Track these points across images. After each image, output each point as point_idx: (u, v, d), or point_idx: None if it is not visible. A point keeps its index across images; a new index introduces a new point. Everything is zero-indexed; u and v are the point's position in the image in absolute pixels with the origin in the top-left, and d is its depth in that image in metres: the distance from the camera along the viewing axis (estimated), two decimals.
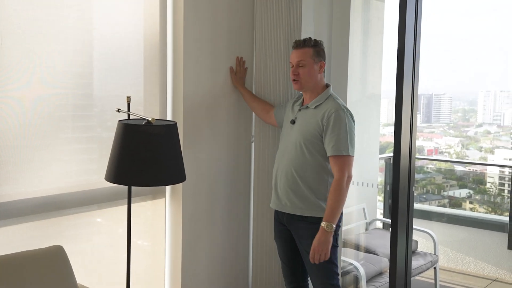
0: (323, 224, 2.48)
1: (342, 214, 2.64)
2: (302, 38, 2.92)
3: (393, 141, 2.89)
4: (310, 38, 2.66)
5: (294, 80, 2.64)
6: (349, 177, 2.53)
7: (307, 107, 2.66)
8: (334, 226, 2.48)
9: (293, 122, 2.69)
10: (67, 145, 2.51)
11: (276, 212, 2.78)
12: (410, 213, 2.94)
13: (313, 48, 2.62)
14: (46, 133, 2.40)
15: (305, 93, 2.70)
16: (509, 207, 4.91)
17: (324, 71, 2.69)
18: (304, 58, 2.60)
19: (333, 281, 2.61)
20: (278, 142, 3.04)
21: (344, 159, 2.51)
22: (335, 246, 2.60)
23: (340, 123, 2.51)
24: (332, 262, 2.60)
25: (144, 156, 2.17)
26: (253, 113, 3.15)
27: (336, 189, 2.49)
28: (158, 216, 2.91)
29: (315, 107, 2.62)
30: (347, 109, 2.60)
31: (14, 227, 2.34)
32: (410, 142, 2.90)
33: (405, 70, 2.80)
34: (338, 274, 2.65)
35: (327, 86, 2.70)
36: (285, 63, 2.99)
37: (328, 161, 2.58)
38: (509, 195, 5.17)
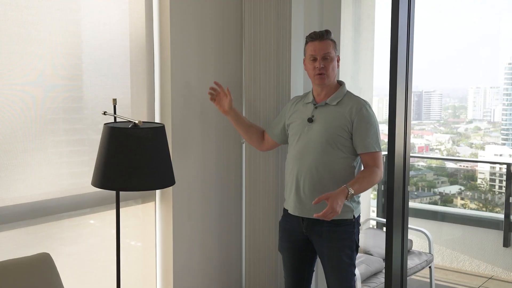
0: (347, 186, 2.33)
1: (360, 216, 2.61)
2: (292, 37, 2.87)
3: (385, 139, 2.86)
4: (328, 30, 2.56)
5: (320, 74, 2.50)
6: (382, 174, 2.51)
7: (326, 104, 2.54)
8: (354, 195, 2.37)
9: (310, 120, 2.55)
10: (56, 148, 2.47)
11: (290, 220, 2.62)
12: (405, 212, 2.91)
13: (332, 41, 2.54)
14: (34, 137, 2.36)
15: (319, 90, 2.56)
16: (503, 203, 4.90)
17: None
18: (330, 50, 2.50)
19: (350, 283, 2.56)
20: None
21: (378, 155, 2.50)
22: (358, 247, 2.58)
23: (370, 119, 2.49)
24: (353, 264, 2.56)
25: (131, 160, 2.12)
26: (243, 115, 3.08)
27: (372, 172, 2.45)
28: (148, 219, 2.87)
29: (337, 104, 2.52)
30: (369, 104, 2.56)
31: (3, 233, 2.29)
32: (404, 141, 2.87)
33: (398, 68, 2.76)
34: (355, 275, 2.59)
35: (339, 82, 2.62)
36: (276, 61, 2.94)
37: (354, 158, 2.51)
38: (500, 190, 5.17)
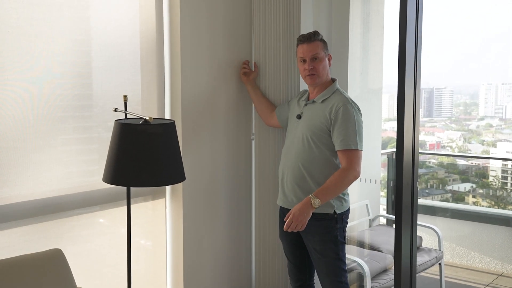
0: (311, 196, 2.44)
1: (349, 210, 2.64)
2: (301, 32, 2.88)
3: (394, 136, 2.86)
4: (316, 31, 2.63)
5: (311, 74, 2.59)
6: (357, 173, 2.50)
7: (313, 102, 2.63)
8: (320, 204, 2.43)
9: (299, 117, 2.65)
10: (67, 146, 2.49)
11: (282, 209, 2.75)
12: (414, 209, 2.90)
13: (321, 42, 2.61)
14: (45, 134, 2.38)
15: (312, 88, 2.67)
16: None
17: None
18: (318, 51, 2.58)
19: (341, 278, 2.60)
20: (279, 139, 3.01)
21: (354, 153, 2.49)
22: (342, 243, 2.60)
23: (349, 117, 2.49)
24: (340, 259, 2.59)
25: (142, 156, 2.14)
26: (253, 110, 3.10)
27: (340, 175, 2.47)
28: (159, 216, 2.88)
29: (322, 101, 2.60)
30: (354, 102, 2.58)
31: (14, 230, 2.32)
32: (413, 137, 2.86)
33: (407, 64, 2.76)
34: (346, 271, 2.63)
35: (333, 80, 2.67)
36: (285, 58, 2.95)
37: (335, 156, 2.56)
38: (511, 188, 5.13)
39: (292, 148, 2.65)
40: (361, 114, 2.58)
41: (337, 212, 2.58)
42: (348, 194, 2.67)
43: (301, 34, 2.70)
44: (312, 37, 2.59)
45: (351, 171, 2.47)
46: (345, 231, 2.64)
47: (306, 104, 2.66)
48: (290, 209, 2.59)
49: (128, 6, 2.69)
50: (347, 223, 2.65)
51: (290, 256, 2.79)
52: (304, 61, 2.61)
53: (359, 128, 2.52)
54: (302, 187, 2.59)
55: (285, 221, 2.46)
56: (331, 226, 2.57)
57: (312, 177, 2.57)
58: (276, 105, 2.97)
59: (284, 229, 2.47)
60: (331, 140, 2.54)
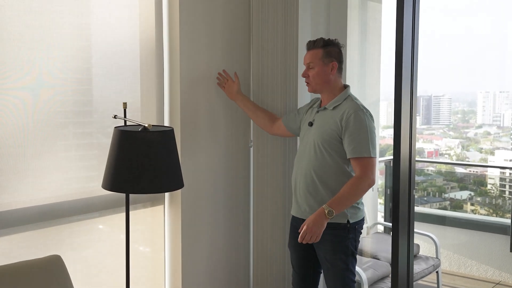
0: (325, 207, 2.38)
1: (363, 220, 2.60)
2: (299, 41, 2.90)
3: (393, 144, 2.87)
4: (321, 38, 2.60)
5: (306, 82, 2.64)
6: (372, 181, 2.44)
7: (325, 109, 2.60)
8: (334, 215, 2.39)
9: (311, 124, 2.62)
10: (66, 152, 2.50)
11: (295, 219, 2.69)
12: (411, 217, 2.91)
13: (322, 49, 2.57)
14: (45, 140, 2.39)
15: (322, 95, 2.66)
16: (510, 209, 4.87)
17: (341, 71, 2.63)
18: (313, 60, 2.58)
19: None
20: (277, 146, 3.02)
21: (367, 161, 2.43)
22: (353, 253, 2.56)
23: (360, 123, 2.45)
24: (349, 270, 2.55)
25: (140, 163, 2.15)
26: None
27: (354, 184, 2.42)
28: (158, 223, 2.89)
29: (333, 108, 2.56)
30: (366, 109, 2.54)
31: (13, 236, 2.32)
32: (410, 145, 2.87)
33: (403, 72, 2.77)
34: (354, 282, 2.60)
35: (345, 86, 2.65)
36: (283, 67, 2.97)
37: (347, 163, 2.52)
38: (510, 196, 5.13)
39: (303, 156, 2.61)
40: (373, 121, 2.54)
41: (351, 221, 2.53)
42: (362, 203, 2.61)
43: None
44: (312, 45, 2.59)
45: (365, 179, 2.42)
46: (358, 241, 2.58)
47: (318, 112, 2.63)
48: (303, 219, 2.56)
49: (128, 14, 2.71)
50: (360, 233, 2.59)
51: (296, 266, 2.75)
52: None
53: (371, 135, 2.46)
54: (315, 195, 2.54)
55: (299, 233, 2.42)
56: (343, 236, 2.52)
57: (324, 185, 2.53)
58: (275, 113, 2.97)
59: (298, 241, 2.42)
60: (343, 147, 2.50)
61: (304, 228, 2.39)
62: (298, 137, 2.87)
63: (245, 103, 2.95)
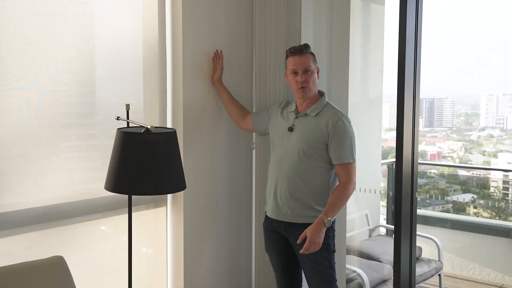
0: (323, 217, 2.49)
1: (335, 221, 2.65)
2: (301, 43, 2.90)
3: (395, 146, 2.86)
4: (307, 44, 2.66)
5: (303, 87, 2.60)
6: (354, 184, 2.60)
7: (306, 114, 2.65)
8: (331, 222, 2.51)
9: (291, 129, 2.66)
10: (69, 154, 2.51)
11: (270, 221, 2.75)
12: (413, 219, 2.91)
13: (311, 55, 2.64)
14: (48, 142, 2.40)
15: (302, 101, 2.67)
16: None
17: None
18: (310, 63, 2.60)
19: (333, 286, 2.62)
20: None
21: (351, 166, 2.58)
22: (333, 251, 2.63)
23: (346, 132, 2.58)
24: (331, 267, 2.62)
25: (143, 165, 2.16)
26: None
27: (343, 190, 2.56)
28: (160, 224, 2.90)
29: (316, 115, 2.62)
30: (346, 115, 2.66)
31: (16, 237, 2.33)
32: (412, 147, 2.87)
33: (406, 74, 2.78)
34: (336, 280, 2.65)
35: (320, 93, 2.70)
36: (285, 69, 2.96)
37: (330, 168, 2.61)
38: None
39: (284, 161, 2.65)
40: (351, 125, 2.64)
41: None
42: None
43: (291, 46, 2.70)
44: (304, 50, 2.61)
45: (350, 184, 2.57)
46: (334, 239, 2.67)
47: (297, 117, 2.67)
48: (281, 221, 2.65)
49: (131, 15, 2.72)
50: (334, 230, 2.68)
51: (278, 268, 2.79)
52: (296, 73, 2.60)
53: (353, 142, 2.62)
54: (298, 198, 2.61)
55: (298, 243, 2.51)
56: (324, 234, 2.57)
57: (308, 188, 2.60)
58: (247, 109, 2.99)
59: (301, 252, 2.51)
60: (326, 153, 2.59)
61: (307, 241, 2.48)
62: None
63: (222, 91, 2.95)
